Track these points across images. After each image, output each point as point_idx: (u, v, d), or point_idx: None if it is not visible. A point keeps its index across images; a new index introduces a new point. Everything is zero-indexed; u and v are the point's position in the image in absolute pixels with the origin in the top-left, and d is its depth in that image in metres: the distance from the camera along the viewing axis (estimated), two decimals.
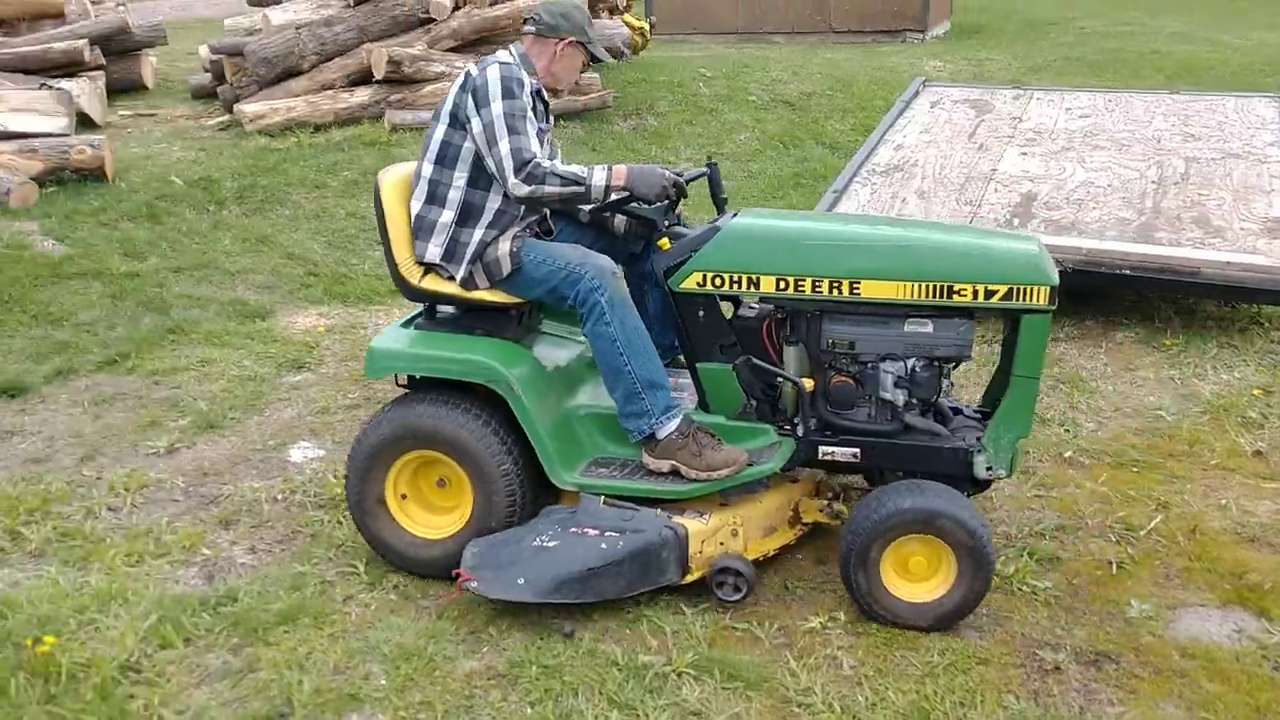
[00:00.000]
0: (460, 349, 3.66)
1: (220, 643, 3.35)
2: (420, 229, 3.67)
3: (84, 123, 8.30)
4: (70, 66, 8.83)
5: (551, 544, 3.44)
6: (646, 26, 12.11)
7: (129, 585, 3.65)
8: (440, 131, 3.64)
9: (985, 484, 3.63)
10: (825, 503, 3.75)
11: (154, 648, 3.31)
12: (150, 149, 8.26)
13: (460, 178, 3.63)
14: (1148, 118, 6.96)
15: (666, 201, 3.60)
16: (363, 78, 8.83)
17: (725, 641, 3.34)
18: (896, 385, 3.55)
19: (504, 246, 3.61)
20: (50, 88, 8.12)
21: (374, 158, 8.11)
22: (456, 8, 8.96)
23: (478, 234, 3.63)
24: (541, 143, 3.64)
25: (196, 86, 9.97)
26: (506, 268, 3.61)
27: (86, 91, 8.56)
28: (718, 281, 3.53)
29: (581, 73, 3.97)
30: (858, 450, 3.57)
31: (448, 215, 3.63)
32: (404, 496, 3.71)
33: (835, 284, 3.46)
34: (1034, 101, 7.37)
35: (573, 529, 3.48)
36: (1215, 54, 13.79)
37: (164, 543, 3.94)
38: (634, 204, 3.66)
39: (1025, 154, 6.63)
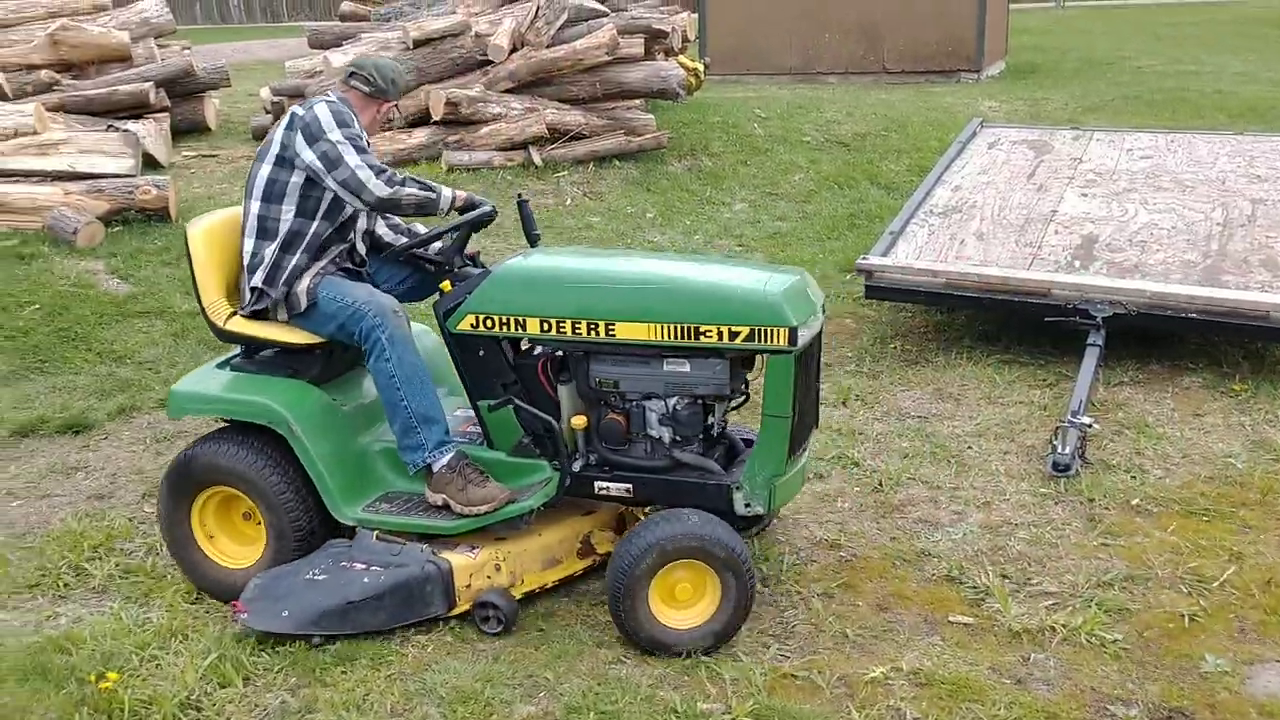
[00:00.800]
0: (247, 391, 3.82)
1: (279, 682, 3.35)
2: (251, 264, 3.82)
3: (149, 163, 8.46)
4: (136, 109, 9.02)
5: (321, 577, 3.59)
6: (701, 68, 12.17)
7: (189, 623, 3.67)
8: (266, 170, 3.81)
9: (755, 520, 3.80)
10: (621, 536, 3.77)
11: (214, 686, 3.32)
12: (212, 189, 8.40)
13: (288, 210, 3.79)
14: (1211, 159, 6.85)
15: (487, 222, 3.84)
16: (421, 119, 8.94)
17: (785, 690, 3.28)
18: (661, 423, 3.65)
19: (304, 283, 3.78)
20: (117, 129, 8.30)
21: None
22: (514, 50, 9.06)
23: (295, 258, 3.79)
24: None
25: (257, 128, 10.14)
26: (303, 303, 3.76)
27: (152, 133, 8.74)
28: (489, 323, 3.63)
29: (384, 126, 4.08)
30: (630, 485, 3.66)
31: (274, 245, 3.79)
32: (211, 537, 3.89)
33: (593, 325, 3.54)
34: (1094, 142, 7.29)
35: (343, 563, 3.62)
36: None
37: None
38: (424, 248, 3.96)
39: (1086, 195, 6.55)
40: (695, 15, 13.12)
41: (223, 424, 3.91)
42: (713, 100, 11.68)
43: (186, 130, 10.12)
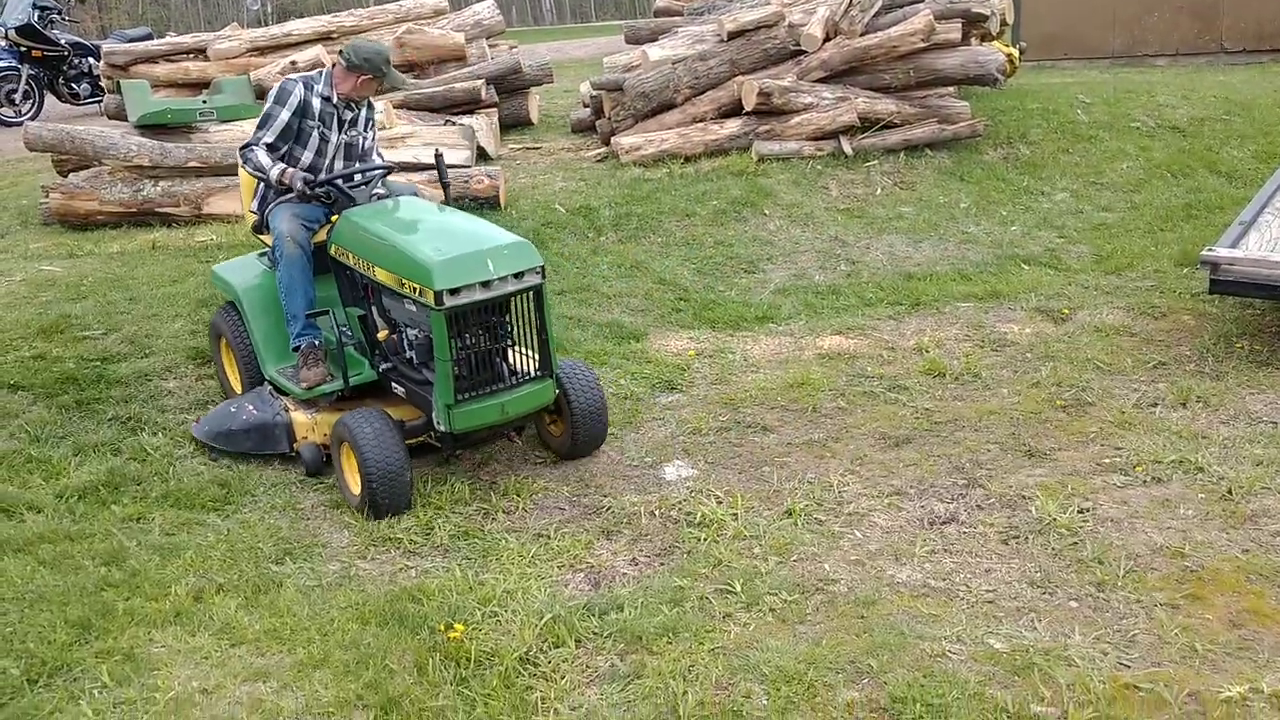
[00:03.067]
0: (231, 276, 5.42)
1: (608, 647, 3.49)
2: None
3: (480, 155, 9.01)
4: (469, 104, 9.63)
5: (234, 410, 5.06)
6: (1016, 52, 11.65)
7: (523, 584, 3.88)
8: None
9: (465, 436, 4.54)
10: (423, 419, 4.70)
11: (548, 645, 3.50)
12: (535, 179, 8.83)
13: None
14: None
15: (319, 199, 5.01)
16: (732, 110, 9.04)
17: (1127, 701, 3.10)
18: (409, 346, 4.72)
19: (270, 209, 5.18)
20: (455, 124, 8.89)
21: (741, 188, 8.27)
22: (827, 39, 9.00)
23: (269, 192, 5.22)
24: (321, 141, 5.14)
25: (576, 121, 10.58)
26: (264, 224, 5.25)
27: (483, 127, 9.29)
28: (338, 252, 4.90)
29: (377, 92, 5.45)
30: (404, 389, 4.76)
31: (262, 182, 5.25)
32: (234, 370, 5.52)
33: (369, 266, 4.64)
34: None
35: (245, 403, 5.07)
36: None
37: (553, 547, 4.17)
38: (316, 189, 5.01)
39: None
40: None
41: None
42: (1030, 86, 11.16)
43: (511, 124, 10.69)
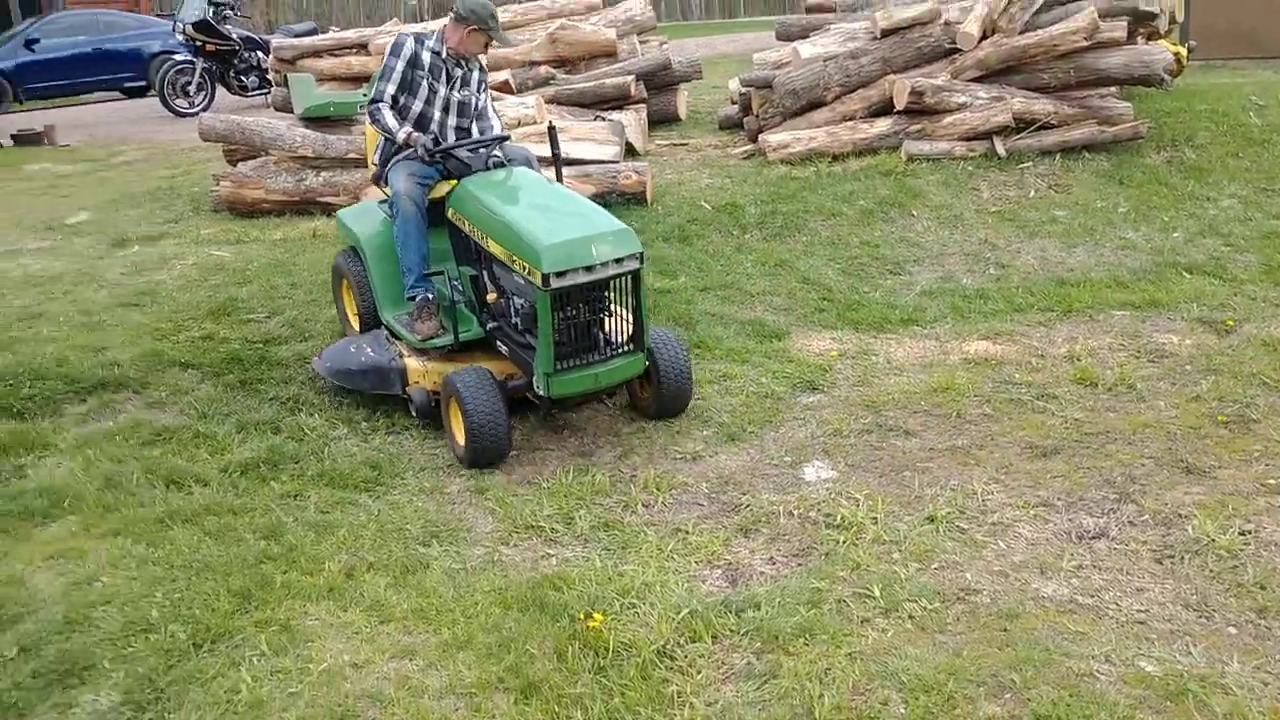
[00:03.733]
0: (353, 223, 5.82)
1: (744, 645, 3.50)
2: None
3: (628, 151, 9.09)
4: (619, 100, 9.73)
5: (353, 349, 5.44)
6: (1184, 51, 11.17)
7: (661, 578, 3.93)
8: None
9: (562, 400, 4.99)
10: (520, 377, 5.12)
11: (685, 639, 3.53)
12: (682, 175, 8.88)
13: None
14: None
15: (428, 161, 5.35)
16: (882, 109, 8.92)
17: None
18: (515, 313, 5.05)
19: (390, 166, 5.53)
20: (604, 119, 9.00)
21: (889, 188, 8.16)
22: (983, 37, 8.79)
23: (387, 147, 5.59)
24: (430, 93, 5.48)
25: (724, 118, 10.58)
26: (385, 180, 5.59)
27: (632, 123, 9.37)
28: (456, 217, 5.28)
29: (487, 47, 5.57)
30: (507, 349, 5.14)
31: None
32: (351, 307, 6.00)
33: (483, 236, 5.01)
34: None
35: (364, 345, 5.44)
36: None
37: (690, 543, 4.20)
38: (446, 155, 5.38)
39: None
40: None
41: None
42: (1198, 86, 10.69)
43: (659, 120, 10.77)
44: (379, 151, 5.69)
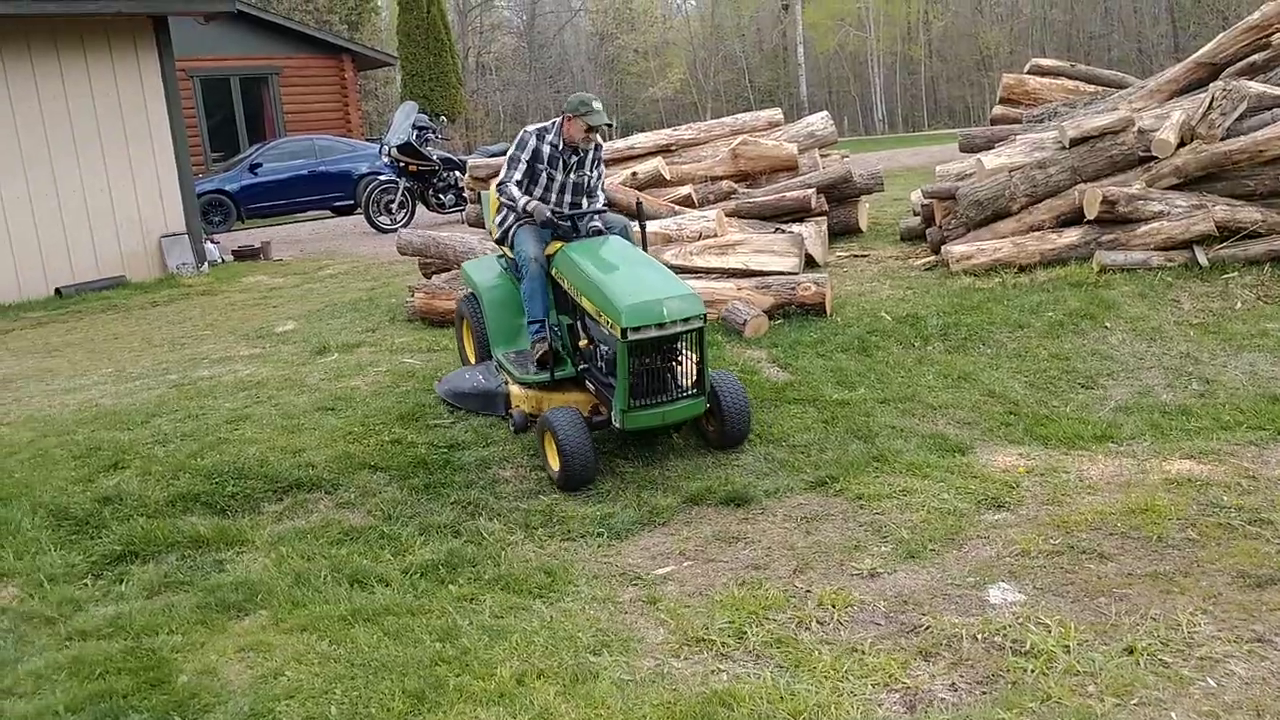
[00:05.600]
0: (474, 272, 7.05)
1: None
2: (495, 215, 6.82)
3: (809, 263, 9.10)
4: (799, 212, 9.78)
5: (468, 376, 6.69)
6: None
7: (835, 699, 3.78)
8: None
9: (635, 432, 5.97)
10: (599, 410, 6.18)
11: None
12: (863, 287, 8.80)
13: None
14: None
15: (549, 226, 6.36)
16: (1072, 219, 8.66)
17: None
18: (601, 359, 6.09)
19: (512, 230, 6.55)
20: (784, 232, 9.05)
21: (1079, 299, 7.88)
22: (1181, 144, 8.48)
23: (501, 218, 6.69)
24: (549, 180, 6.52)
25: (905, 229, 10.49)
26: (510, 243, 6.61)
27: (812, 235, 9.39)
28: (557, 274, 6.29)
29: (589, 133, 6.39)
30: (595, 387, 6.13)
31: (502, 210, 6.71)
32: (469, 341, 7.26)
33: (578, 293, 6.03)
34: None
35: (477, 373, 6.68)
36: None
37: (867, 664, 4.03)
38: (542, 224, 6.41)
39: None
40: None
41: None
42: None
43: (840, 232, 10.76)
44: (500, 216, 6.68)
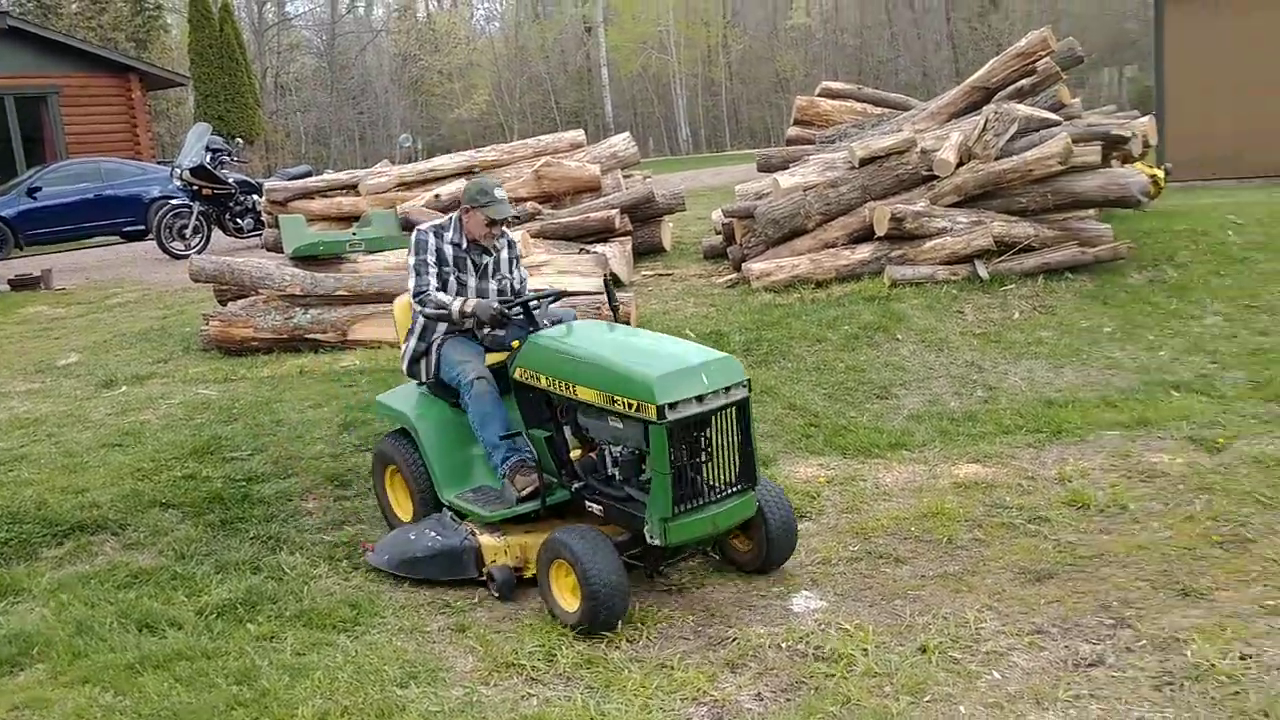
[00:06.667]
0: (399, 404, 5.55)
1: None
2: (405, 338, 5.59)
3: (614, 282, 9.18)
4: (603, 233, 9.87)
5: (413, 537, 5.12)
6: (1161, 174, 11.41)
7: (645, 716, 3.80)
8: None
9: (677, 550, 4.73)
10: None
11: None
12: (667, 305, 8.94)
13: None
14: None
15: (499, 324, 5.14)
16: (864, 235, 9.04)
17: None
18: (614, 463, 4.80)
19: (432, 357, 5.40)
20: (589, 252, 9.11)
21: (873, 313, 8.21)
22: (960, 164, 8.97)
23: (413, 343, 5.48)
24: (461, 286, 5.35)
25: (708, 248, 10.71)
26: (432, 370, 5.43)
27: (617, 255, 9.49)
28: (526, 376, 4.95)
29: (492, 227, 5.35)
30: (601, 506, 4.80)
31: (407, 332, 5.54)
32: (396, 497, 5.63)
33: (568, 386, 4.72)
34: None
35: (426, 529, 5.11)
36: None
37: (676, 679, 4.07)
38: (481, 325, 5.20)
39: None
40: (1154, 119, 12.36)
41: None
42: (1177, 207, 10.88)
43: (645, 251, 10.90)
44: (410, 344, 5.48)
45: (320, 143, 44.67)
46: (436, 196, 10.23)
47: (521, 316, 5.14)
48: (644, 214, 10.80)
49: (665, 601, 4.74)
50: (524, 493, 4.95)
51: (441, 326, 5.38)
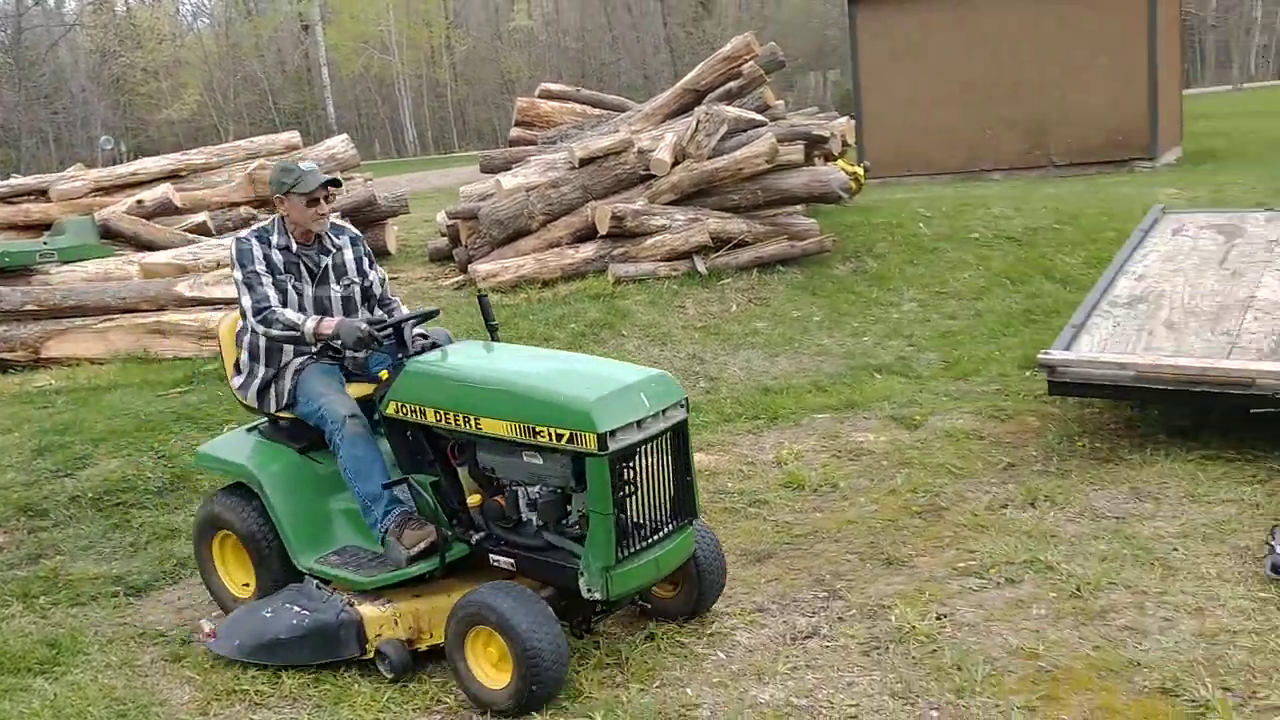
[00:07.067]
0: (236, 454, 4.57)
1: None
2: (234, 364, 4.64)
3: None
4: None
5: (268, 615, 4.18)
6: (861, 171, 12.18)
7: None
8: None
9: (614, 603, 3.97)
10: None
11: None
12: None
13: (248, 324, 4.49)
14: None
15: (368, 348, 4.22)
16: (587, 234, 9.18)
17: None
18: (530, 507, 4.03)
19: (285, 384, 4.47)
20: None
21: (599, 310, 8.34)
22: (676, 163, 9.26)
23: (260, 369, 4.52)
24: (298, 298, 4.45)
25: (434, 250, 10.59)
26: (284, 401, 4.49)
27: None
28: (404, 410, 4.14)
29: (315, 207, 4.43)
30: (513, 559, 4.05)
31: (244, 355, 4.56)
32: (227, 568, 4.68)
33: (467, 419, 3.97)
34: None
35: (287, 604, 4.19)
36: None
37: (409, 689, 3.99)
38: (345, 350, 4.29)
39: None
40: (853, 120, 13.18)
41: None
42: (875, 202, 11.64)
43: None
44: (245, 374, 4.55)
45: (8, 145, 41.03)
46: (140, 202, 9.60)
47: (390, 341, 4.28)
48: (366, 217, 10.55)
49: None
50: (416, 550, 4.09)
51: (290, 350, 4.49)
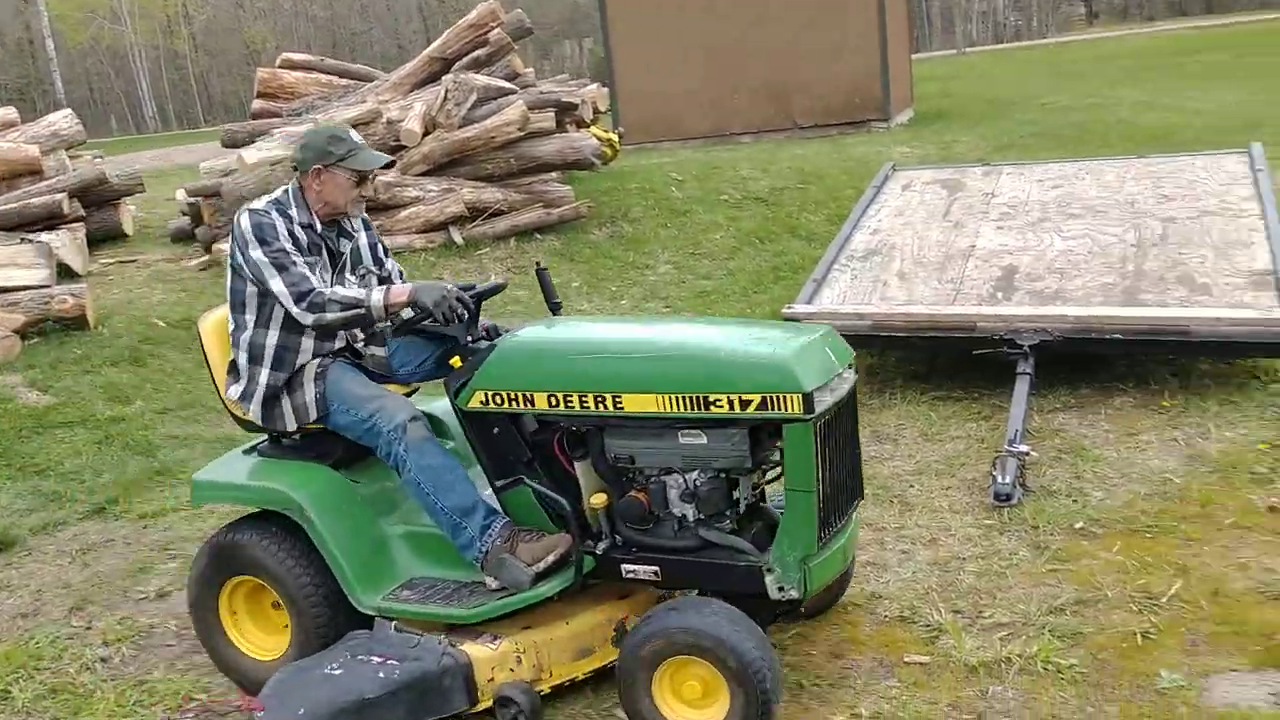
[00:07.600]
0: (263, 477, 3.74)
1: None
2: (229, 370, 3.82)
3: (66, 273, 8.31)
4: (50, 220, 8.88)
5: (337, 671, 3.33)
6: (615, 137, 12.31)
7: None
8: (228, 280, 3.75)
9: (795, 604, 3.37)
10: None
11: None
12: (132, 294, 8.27)
13: (249, 319, 3.70)
14: (1119, 183, 7.01)
15: (461, 318, 3.48)
16: None
17: None
18: (683, 499, 3.37)
19: (309, 392, 3.66)
20: (29, 241, 8.15)
21: None
22: (426, 133, 9.09)
23: (264, 375, 3.69)
24: (329, 270, 3.72)
25: (175, 230, 10.03)
26: (313, 414, 3.67)
27: (66, 243, 8.59)
28: (498, 400, 3.42)
29: (360, 187, 3.73)
30: (657, 568, 3.38)
31: (243, 357, 3.72)
32: (240, 626, 3.81)
33: (600, 399, 3.30)
34: (1004, 176, 7.43)
35: (360, 656, 3.37)
36: (1180, 118, 14.05)
37: (157, 692, 3.81)
38: (429, 322, 3.53)
39: (1001, 228, 6.66)
40: (605, 88, 13.29)
41: (248, 510, 3.81)
42: (629, 168, 11.80)
43: (104, 238, 9.99)
44: (262, 370, 3.69)
45: None
46: None
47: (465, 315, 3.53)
48: (98, 197, 9.88)
49: (144, 611, 4.40)
50: (543, 564, 3.39)
51: (308, 349, 3.73)
